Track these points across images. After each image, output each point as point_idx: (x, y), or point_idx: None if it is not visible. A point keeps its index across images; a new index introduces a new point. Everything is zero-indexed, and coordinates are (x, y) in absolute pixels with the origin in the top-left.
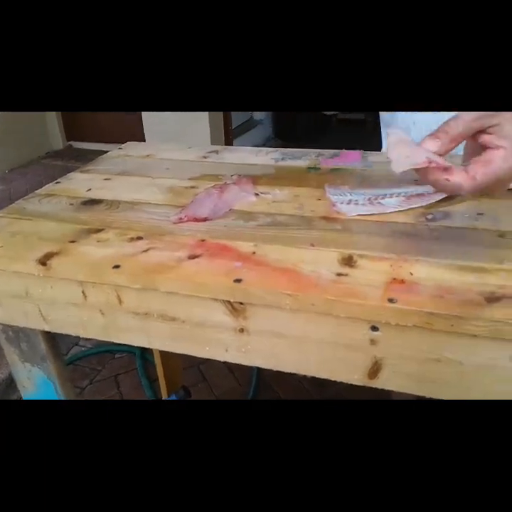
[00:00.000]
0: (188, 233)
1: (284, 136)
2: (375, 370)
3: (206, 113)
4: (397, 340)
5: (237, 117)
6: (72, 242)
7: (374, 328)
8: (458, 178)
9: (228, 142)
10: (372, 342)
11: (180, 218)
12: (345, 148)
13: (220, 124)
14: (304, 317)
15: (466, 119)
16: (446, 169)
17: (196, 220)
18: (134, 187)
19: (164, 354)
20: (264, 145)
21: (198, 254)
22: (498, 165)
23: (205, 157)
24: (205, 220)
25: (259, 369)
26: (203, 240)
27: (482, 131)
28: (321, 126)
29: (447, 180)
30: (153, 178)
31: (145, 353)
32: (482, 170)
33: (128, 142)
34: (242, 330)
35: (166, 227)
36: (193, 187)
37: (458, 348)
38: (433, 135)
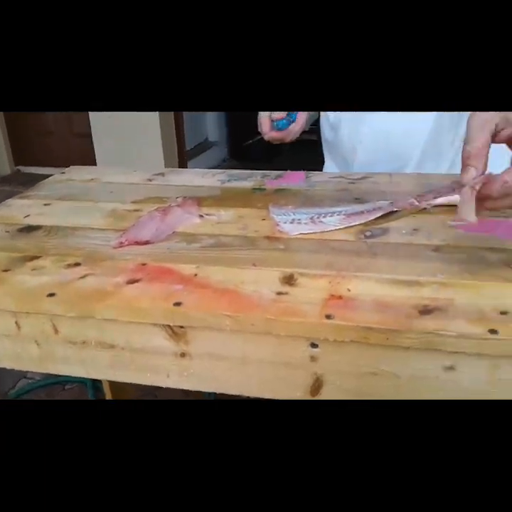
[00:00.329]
0: (128, 257)
1: (239, 157)
2: (316, 387)
3: (159, 135)
4: (335, 356)
5: (192, 139)
6: (6, 270)
7: (313, 345)
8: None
9: (182, 164)
10: (312, 359)
11: (121, 242)
12: (299, 168)
13: (174, 146)
14: (245, 338)
15: (482, 137)
16: (492, 179)
17: (137, 243)
18: (75, 212)
19: (114, 383)
20: (219, 166)
21: (138, 279)
22: None
23: (150, 180)
24: (146, 243)
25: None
26: (143, 264)
27: (494, 135)
28: (275, 147)
29: (506, 182)
30: (96, 202)
31: (97, 382)
32: None
33: (71, 166)
34: (183, 354)
35: (106, 252)
36: (136, 210)
37: (393, 361)
38: (464, 167)
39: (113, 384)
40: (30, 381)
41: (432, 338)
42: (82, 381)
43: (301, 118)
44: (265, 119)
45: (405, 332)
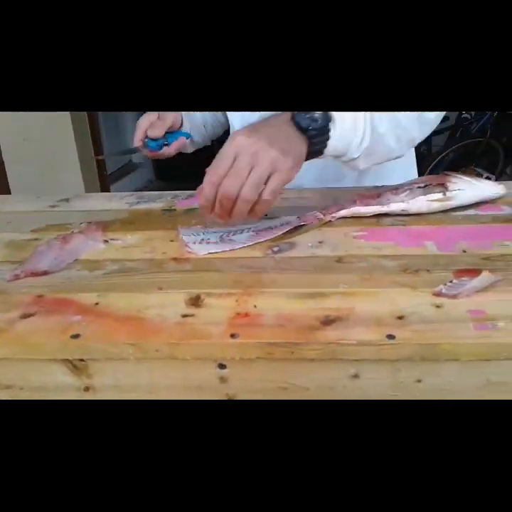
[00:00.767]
0: (24, 290)
1: (165, 178)
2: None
3: (76, 160)
4: (244, 375)
5: (115, 161)
6: None
7: (221, 366)
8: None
9: (104, 188)
10: (222, 380)
11: (16, 275)
12: None
13: (94, 170)
14: (151, 365)
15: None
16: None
17: (34, 274)
18: None
19: None
20: (145, 188)
21: (33, 313)
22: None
23: (53, 206)
24: (45, 273)
25: None
26: (40, 296)
27: None
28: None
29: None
30: None
31: None
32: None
33: None
34: (87, 388)
35: None
36: (35, 239)
37: (301, 374)
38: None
39: None
40: None
41: (334, 348)
42: None
43: (179, 143)
44: (139, 131)
45: (308, 344)
